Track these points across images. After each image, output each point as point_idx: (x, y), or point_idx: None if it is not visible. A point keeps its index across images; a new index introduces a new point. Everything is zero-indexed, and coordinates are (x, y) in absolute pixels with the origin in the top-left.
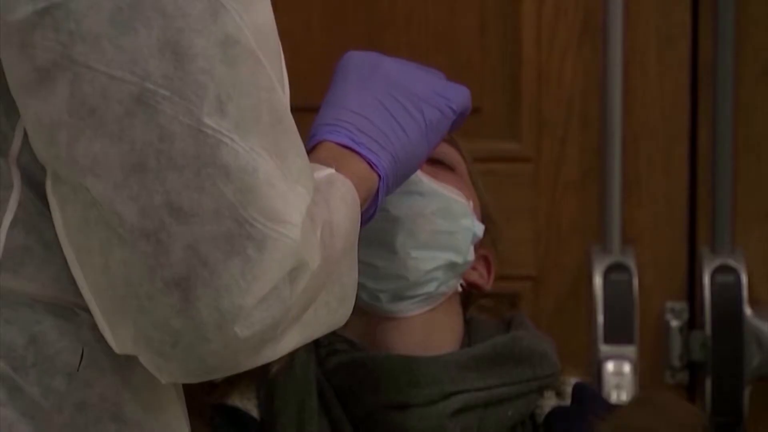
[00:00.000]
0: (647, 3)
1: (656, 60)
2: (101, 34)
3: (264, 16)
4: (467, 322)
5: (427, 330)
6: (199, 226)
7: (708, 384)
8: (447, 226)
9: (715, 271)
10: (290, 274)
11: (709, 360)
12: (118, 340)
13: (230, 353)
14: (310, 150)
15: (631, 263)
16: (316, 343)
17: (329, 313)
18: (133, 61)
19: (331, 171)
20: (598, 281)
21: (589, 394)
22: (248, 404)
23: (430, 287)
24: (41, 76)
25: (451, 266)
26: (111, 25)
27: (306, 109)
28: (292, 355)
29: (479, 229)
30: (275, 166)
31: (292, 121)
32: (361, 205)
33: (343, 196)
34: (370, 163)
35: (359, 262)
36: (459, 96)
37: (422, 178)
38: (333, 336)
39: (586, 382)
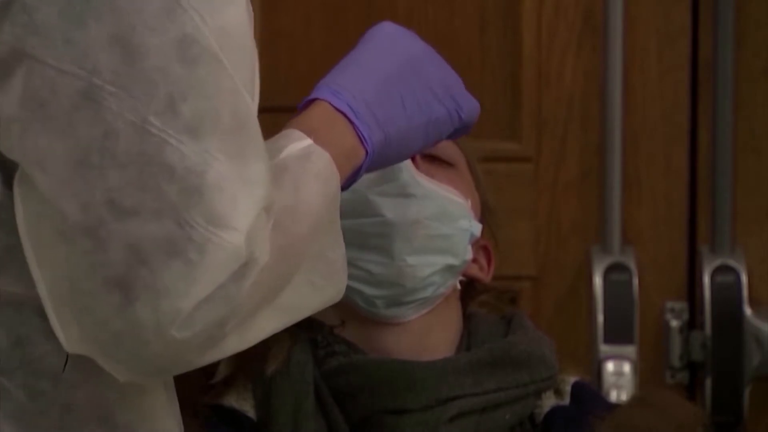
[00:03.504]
0: (647, 3)
1: (656, 60)
2: (52, 27)
3: (233, 18)
4: (468, 318)
5: (425, 332)
6: (140, 225)
7: (708, 384)
8: (444, 229)
9: (715, 271)
10: (236, 273)
11: (709, 360)
12: (69, 340)
13: (174, 354)
14: (306, 105)
15: (631, 263)
16: (314, 344)
17: (315, 292)
18: (82, 56)
19: (308, 143)
20: (598, 281)
21: (588, 393)
22: (244, 404)
23: (428, 292)
24: (1, 68)
25: (449, 269)
26: (62, 18)
27: None
28: (288, 356)
29: (477, 228)
30: (231, 170)
31: (257, 125)
32: (340, 176)
33: (318, 173)
34: (361, 137)
35: (355, 267)
36: (470, 107)
37: (419, 180)
38: (331, 337)
39: (585, 381)
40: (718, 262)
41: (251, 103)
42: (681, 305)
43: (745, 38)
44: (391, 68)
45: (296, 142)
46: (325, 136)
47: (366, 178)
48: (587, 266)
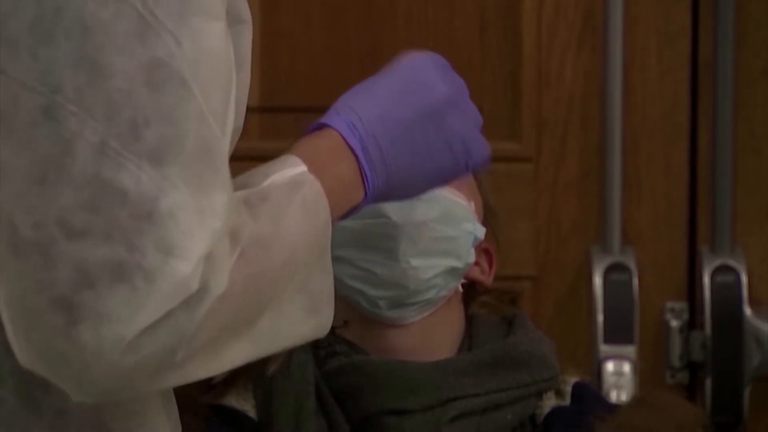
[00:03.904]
0: (647, 3)
1: (656, 60)
2: (20, 40)
3: (210, 43)
4: (469, 319)
5: (427, 333)
6: (90, 248)
7: (708, 384)
8: (448, 231)
9: (715, 271)
10: (186, 302)
11: (709, 360)
12: (22, 354)
13: (119, 378)
14: (318, 128)
15: (631, 263)
16: (316, 344)
17: (295, 324)
18: (47, 72)
19: (302, 170)
20: (598, 281)
21: (589, 394)
22: (245, 404)
23: (430, 294)
24: None
25: (452, 271)
26: (31, 32)
27: (306, 110)
28: (289, 356)
29: (480, 231)
30: (189, 199)
31: (224, 155)
32: (334, 211)
33: (305, 202)
34: (363, 179)
35: (358, 268)
36: (480, 155)
37: None
38: (333, 337)
39: (586, 381)
40: (718, 262)
41: (219, 131)
42: (681, 305)
43: (745, 38)
44: (413, 114)
45: (288, 169)
46: (328, 169)
47: None
48: (587, 266)
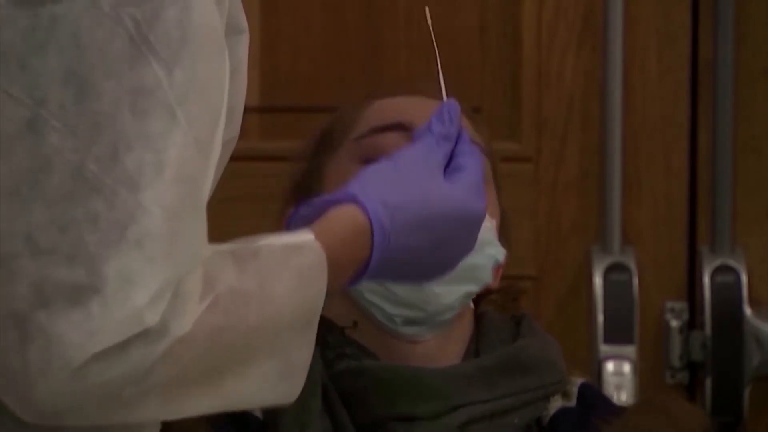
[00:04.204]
0: (647, 3)
1: (656, 60)
2: (12, 50)
3: (203, 74)
4: (477, 318)
5: (440, 346)
6: (52, 267)
7: (708, 384)
8: (473, 258)
9: (715, 271)
10: (141, 337)
11: (709, 360)
12: None
13: (63, 404)
14: (341, 200)
15: (631, 263)
16: (324, 345)
17: (263, 387)
18: (34, 85)
19: (308, 238)
20: (598, 281)
21: (595, 395)
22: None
23: (446, 315)
24: None
25: (470, 295)
26: (24, 42)
27: (306, 110)
28: None
29: (501, 254)
30: (163, 226)
31: (205, 186)
32: (334, 282)
33: (302, 267)
34: (368, 264)
35: (380, 285)
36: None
37: None
38: (342, 338)
39: (592, 383)
40: (718, 262)
41: (203, 161)
42: (681, 305)
43: (745, 38)
44: (444, 201)
45: (293, 235)
46: (337, 245)
47: None
48: (587, 266)
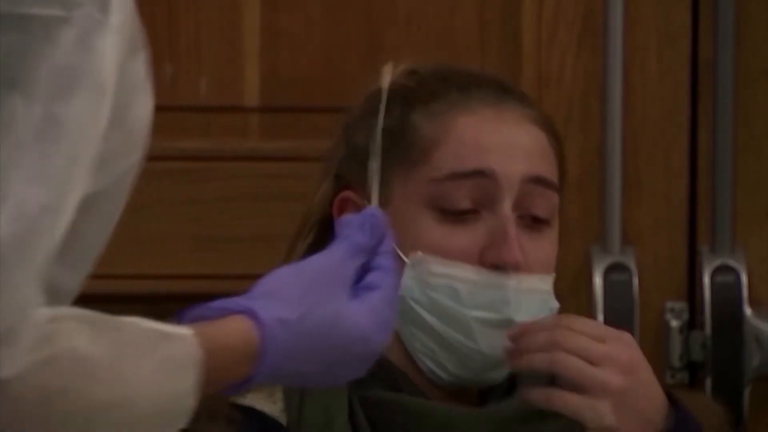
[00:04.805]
0: (647, 3)
1: (656, 60)
2: None
3: (68, 112)
4: None
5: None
6: None
7: (708, 384)
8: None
9: (715, 271)
10: None
11: (709, 360)
12: None
13: None
14: (238, 312)
15: (631, 263)
16: None
17: None
18: None
19: (184, 332)
20: (598, 281)
21: None
22: (274, 408)
23: (496, 380)
24: None
25: None
26: None
27: (306, 110)
28: None
29: (555, 304)
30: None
31: (47, 224)
32: (211, 386)
33: (167, 359)
34: (249, 379)
35: (433, 330)
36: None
37: (524, 300)
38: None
39: None
40: (718, 262)
41: (52, 200)
42: (681, 305)
43: (745, 38)
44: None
45: (168, 326)
46: (224, 359)
47: (470, 293)
48: (587, 266)
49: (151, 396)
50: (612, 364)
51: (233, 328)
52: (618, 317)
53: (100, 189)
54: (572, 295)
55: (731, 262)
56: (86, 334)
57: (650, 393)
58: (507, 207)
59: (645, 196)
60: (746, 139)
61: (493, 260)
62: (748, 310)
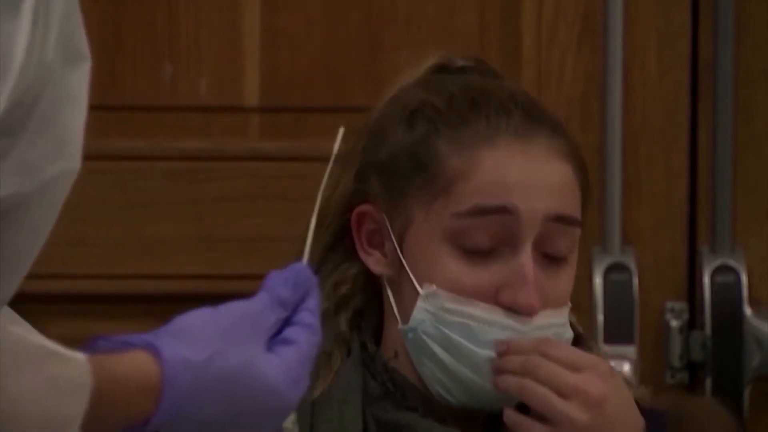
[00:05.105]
0: (647, 3)
1: (656, 60)
2: None
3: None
4: None
5: None
6: None
7: (708, 384)
8: None
9: (715, 271)
10: None
11: (709, 360)
12: None
13: None
14: (140, 346)
15: (631, 263)
16: (366, 366)
17: None
18: None
19: (78, 356)
20: (598, 281)
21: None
22: (287, 420)
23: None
24: None
25: None
26: None
27: (306, 110)
28: (337, 374)
29: (570, 335)
30: None
31: None
32: (104, 420)
33: (57, 378)
34: (148, 421)
35: (442, 362)
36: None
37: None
38: (385, 373)
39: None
40: (718, 262)
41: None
42: (681, 305)
43: (745, 38)
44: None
45: (60, 346)
46: (118, 392)
47: (483, 332)
48: (587, 266)
49: (31, 415)
50: (581, 398)
51: (132, 361)
52: (618, 317)
53: (24, 192)
54: (572, 295)
55: (731, 262)
56: None
57: (619, 429)
58: (527, 248)
59: (645, 196)
60: (746, 139)
61: (508, 302)
62: (748, 310)
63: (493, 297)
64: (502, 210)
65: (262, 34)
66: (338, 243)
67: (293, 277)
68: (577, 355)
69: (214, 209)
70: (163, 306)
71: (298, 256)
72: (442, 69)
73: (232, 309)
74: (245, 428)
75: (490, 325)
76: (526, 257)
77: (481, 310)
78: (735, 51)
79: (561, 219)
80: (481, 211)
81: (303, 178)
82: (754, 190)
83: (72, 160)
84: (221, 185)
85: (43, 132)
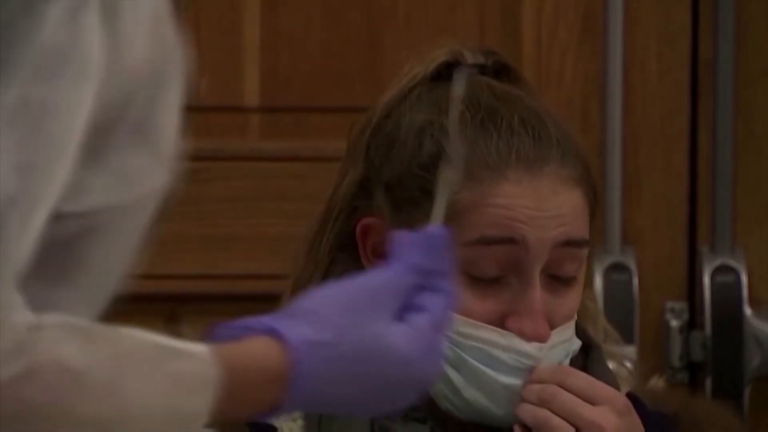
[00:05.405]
0: (647, 3)
1: (656, 60)
2: None
3: (40, 96)
4: None
5: None
6: None
7: (708, 384)
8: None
9: (715, 271)
10: None
11: (709, 360)
12: None
13: None
14: (262, 331)
15: (631, 263)
16: None
17: None
18: None
19: (197, 348)
20: (598, 281)
21: (640, 408)
22: (294, 426)
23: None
24: None
25: None
26: None
27: (306, 110)
28: None
29: (576, 345)
30: None
31: (19, 215)
32: (226, 410)
33: (179, 375)
34: (280, 406)
35: (452, 383)
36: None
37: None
38: None
39: (636, 393)
40: (718, 262)
41: (27, 188)
42: (681, 305)
43: (745, 38)
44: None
45: (176, 341)
46: (247, 381)
47: (499, 358)
48: (587, 266)
49: (156, 415)
50: None
51: (256, 349)
52: (618, 317)
53: (119, 205)
54: None
55: (731, 262)
56: (75, 344)
57: None
58: (535, 276)
59: (645, 196)
60: (746, 139)
61: (515, 330)
62: (748, 310)
63: (500, 323)
64: (510, 241)
65: (262, 34)
66: (345, 245)
67: (426, 241)
68: (595, 387)
69: (214, 209)
70: (164, 305)
71: (299, 256)
72: (451, 66)
73: (358, 282)
74: (376, 405)
75: (506, 350)
76: (534, 287)
77: (498, 336)
78: (735, 51)
79: (569, 243)
80: (490, 241)
81: (303, 178)
82: (754, 190)
83: (166, 176)
84: (221, 185)
85: (140, 141)
